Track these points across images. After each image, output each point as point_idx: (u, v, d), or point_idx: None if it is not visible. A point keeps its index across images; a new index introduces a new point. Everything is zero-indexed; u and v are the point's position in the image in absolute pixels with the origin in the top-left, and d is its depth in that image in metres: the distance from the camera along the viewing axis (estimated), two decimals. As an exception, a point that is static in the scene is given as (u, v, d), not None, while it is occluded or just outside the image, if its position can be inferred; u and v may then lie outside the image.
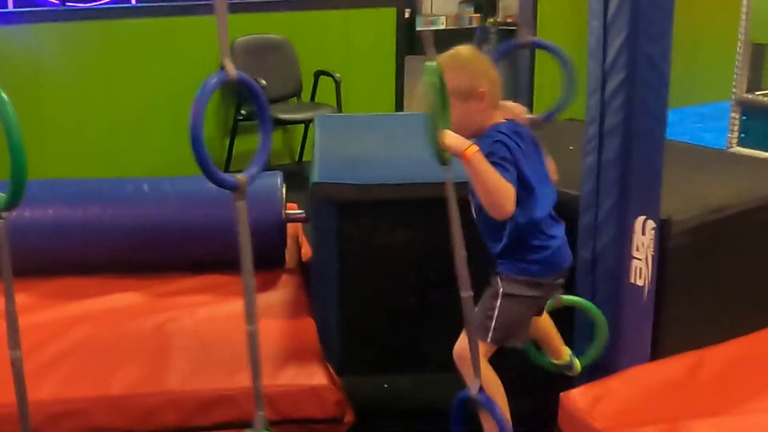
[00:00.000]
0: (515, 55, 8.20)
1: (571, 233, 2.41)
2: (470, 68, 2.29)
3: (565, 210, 2.58)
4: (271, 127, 2.01)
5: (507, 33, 7.69)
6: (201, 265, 3.31)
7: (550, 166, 2.37)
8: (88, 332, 2.84)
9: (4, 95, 1.59)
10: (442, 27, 11.72)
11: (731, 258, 2.71)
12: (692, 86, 7.76)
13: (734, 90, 6.11)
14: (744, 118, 6.11)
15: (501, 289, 2.27)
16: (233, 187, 1.85)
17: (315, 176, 2.87)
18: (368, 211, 2.82)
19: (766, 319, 2.80)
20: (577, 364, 2.56)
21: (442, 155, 2.02)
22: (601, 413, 2.30)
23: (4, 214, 1.71)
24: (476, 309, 2.22)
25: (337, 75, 5.70)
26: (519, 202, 2.16)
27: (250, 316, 1.92)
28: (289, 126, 5.93)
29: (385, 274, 2.85)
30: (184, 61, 5.41)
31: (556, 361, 2.57)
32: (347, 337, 2.91)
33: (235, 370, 2.50)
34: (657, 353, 2.56)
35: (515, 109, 2.48)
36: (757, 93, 6.07)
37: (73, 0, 5.78)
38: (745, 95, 6.05)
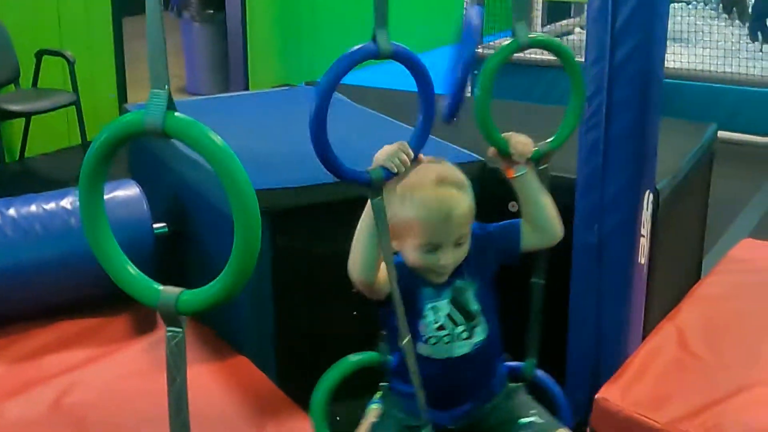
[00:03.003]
0: (224, 21, 7.66)
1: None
2: None
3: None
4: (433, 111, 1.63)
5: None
6: (41, 310, 2.59)
7: None
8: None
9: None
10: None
11: (678, 223, 2.67)
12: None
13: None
14: (476, 72, 6.22)
15: None
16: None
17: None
18: (308, 217, 2.36)
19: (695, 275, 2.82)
20: None
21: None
22: (646, 409, 2.13)
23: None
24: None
25: (69, 53, 4.87)
26: None
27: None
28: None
29: (328, 291, 2.41)
30: None
31: None
32: (286, 367, 2.45)
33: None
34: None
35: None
36: (483, 46, 6.20)
37: None
38: (478, 49, 6.15)
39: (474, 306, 1.80)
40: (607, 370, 2.27)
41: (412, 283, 1.77)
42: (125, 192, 2.67)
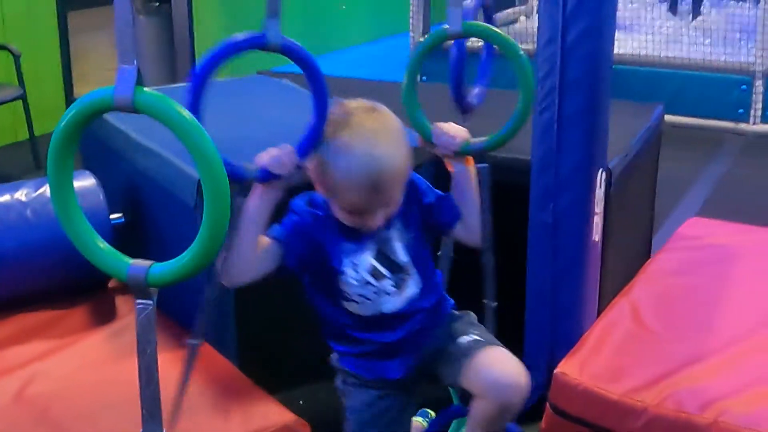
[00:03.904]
0: (170, 14, 7.59)
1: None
2: None
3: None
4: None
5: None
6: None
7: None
8: None
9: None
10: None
11: (630, 201, 2.73)
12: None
13: (412, 34, 6.25)
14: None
15: None
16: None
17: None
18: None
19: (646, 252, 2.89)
20: None
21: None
22: (604, 381, 2.19)
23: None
24: None
25: (14, 47, 4.80)
26: None
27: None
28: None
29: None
30: None
31: None
32: (247, 352, 2.46)
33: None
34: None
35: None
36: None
37: None
38: (422, 38, 6.18)
39: (403, 258, 1.68)
40: (564, 345, 2.32)
41: (331, 235, 1.64)
42: (81, 183, 2.64)
